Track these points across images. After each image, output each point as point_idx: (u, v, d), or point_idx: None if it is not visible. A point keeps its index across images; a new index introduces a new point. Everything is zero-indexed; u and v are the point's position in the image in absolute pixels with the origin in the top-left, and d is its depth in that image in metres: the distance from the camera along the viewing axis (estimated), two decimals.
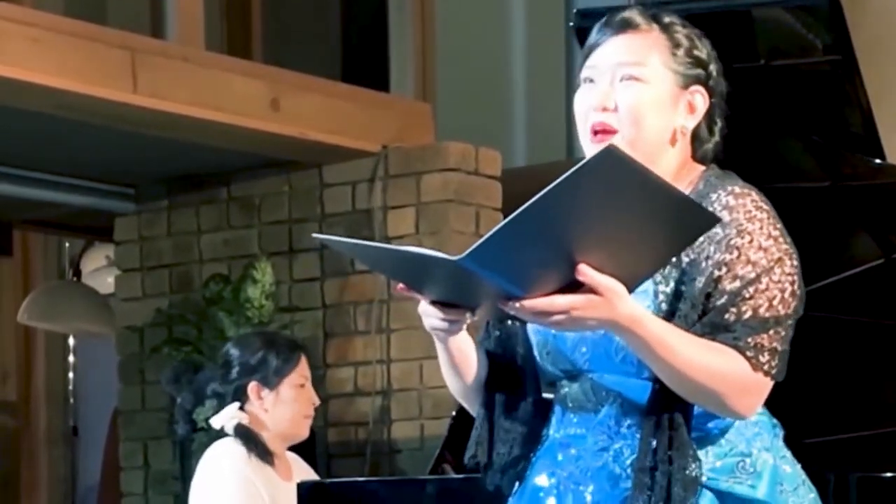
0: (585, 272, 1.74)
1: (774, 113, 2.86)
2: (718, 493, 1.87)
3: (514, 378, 1.99)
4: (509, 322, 2.01)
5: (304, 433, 3.34)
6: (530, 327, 1.98)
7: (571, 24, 2.84)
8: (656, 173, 1.77)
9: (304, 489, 3.23)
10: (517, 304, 1.75)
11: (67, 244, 6.11)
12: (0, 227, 5.58)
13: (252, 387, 3.28)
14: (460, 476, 3.25)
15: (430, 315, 1.86)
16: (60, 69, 3.93)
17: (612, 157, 1.70)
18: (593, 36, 1.94)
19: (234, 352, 3.35)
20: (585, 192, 1.70)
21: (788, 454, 1.94)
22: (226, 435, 3.30)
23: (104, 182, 4.87)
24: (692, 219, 1.76)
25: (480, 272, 1.74)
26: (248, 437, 3.25)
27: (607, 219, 1.73)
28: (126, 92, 4.05)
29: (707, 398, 1.82)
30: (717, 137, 1.96)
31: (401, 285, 1.83)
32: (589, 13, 2.89)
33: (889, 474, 2.75)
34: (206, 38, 4.41)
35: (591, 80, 1.93)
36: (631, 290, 1.78)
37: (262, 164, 4.68)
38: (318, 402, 3.37)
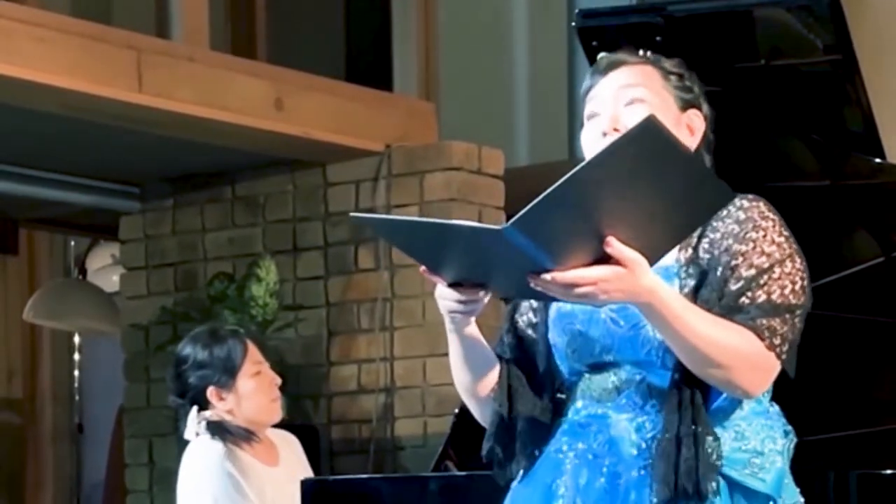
0: (613, 244, 1.80)
1: (775, 112, 2.87)
2: (729, 483, 1.92)
3: (528, 380, 2.04)
4: (521, 326, 2.06)
5: (275, 418, 3.28)
6: (554, 330, 2.03)
7: (574, 24, 2.85)
8: (685, 145, 1.84)
9: (307, 486, 3.24)
10: (548, 277, 1.80)
11: (73, 243, 6.13)
12: (6, 225, 5.60)
13: (211, 392, 3.21)
14: (463, 473, 3.27)
15: (446, 298, 1.91)
16: (66, 69, 3.95)
17: (652, 127, 1.75)
18: (587, 80, 2.03)
19: (181, 359, 3.26)
20: (625, 162, 1.74)
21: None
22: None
23: (109, 181, 4.89)
24: (710, 193, 1.82)
25: (520, 242, 1.77)
26: (223, 429, 3.20)
27: (638, 191, 1.77)
28: (131, 91, 4.07)
29: (718, 373, 1.88)
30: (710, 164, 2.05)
31: (423, 267, 1.87)
32: (591, 13, 2.91)
33: (889, 472, 2.76)
34: (211, 38, 4.43)
35: (596, 114, 2.01)
36: (651, 264, 1.84)
37: (267, 163, 4.70)
38: (279, 381, 3.29)
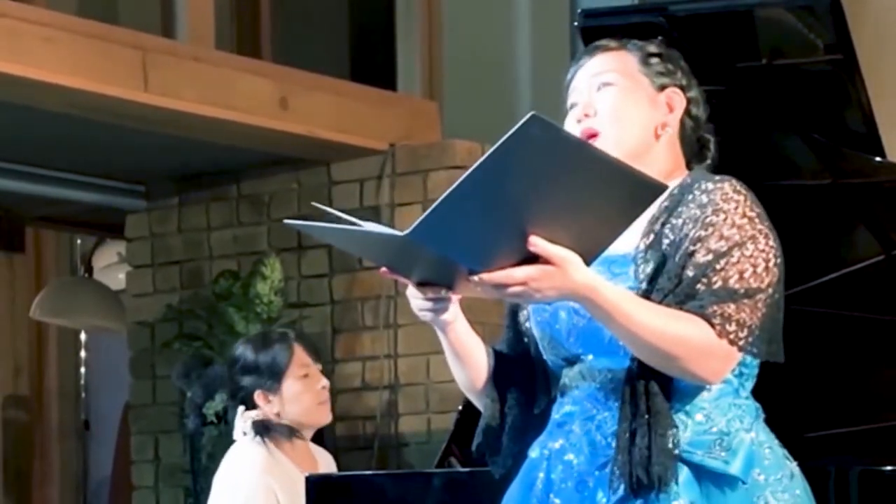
0: (537, 243, 1.78)
1: (776, 111, 2.88)
2: (694, 468, 1.90)
3: (524, 376, 2.04)
4: (520, 320, 2.07)
5: (324, 419, 3.32)
6: (533, 323, 2.03)
7: (576, 23, 2.87)
8: (594, 145, 1.83)
9: (312, 482, 3.26)
10: (476, 278, 1.80)
11: (79, 241, 6.15)
12: (13, 224, 5.62)
13: (258, 395, 3.26)
14: (466, 469, 3.29)
15: (414, 297, 1.91)
16: (72, 68, 3.97)
17: (536, 125, 1.71)
18: (569, 72, 2.05)
19: (235, 356, 3.32)
20: (518, 161, 1.71)
21: (775, 444, 1.97)
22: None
23: (115, 179, 4.91)
24: (638, 189, 1.78)
25: (433, 247, 1.75)
26: (266, 428, 3.24)
27: (550, 190, 1.74)
28: (137, 91, 4.09)
29: (668, 362, 1.86)
30: (712, 151, 2.03)
31: (384, 269, 1.87)
32: (593, 13, 2.92)
33: (889, 468, 2.77)
34: (216, 38, 4.45)
35: (575, 104, 2.02)
36: (589, 262, 1.82)
37: (271, 161, 4.72)
38: (327, 382, 3.33)
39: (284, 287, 4.54)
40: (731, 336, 1.85)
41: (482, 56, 5.31)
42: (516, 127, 1.72)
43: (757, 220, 1.91)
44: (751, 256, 1.88)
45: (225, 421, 4.30)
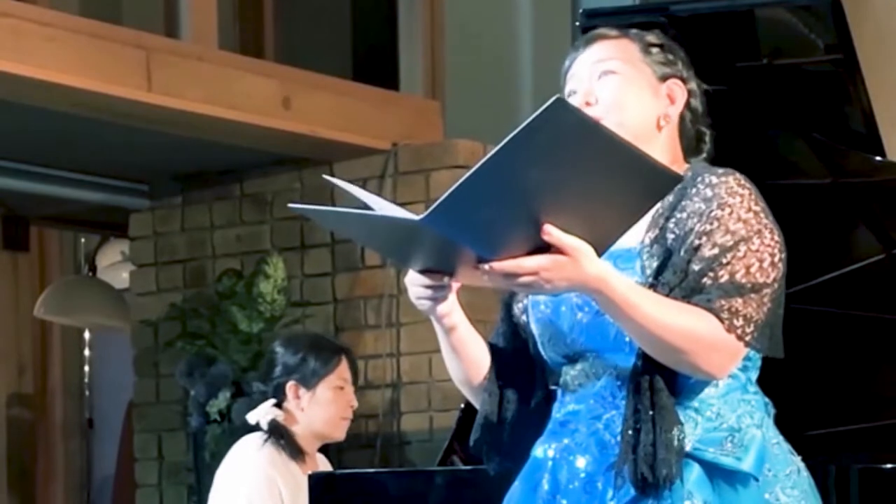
0: (551, 232, 1.76)
1: (777, 111, 2.89)
2: (706, 465, 1.88)
3: (521, 371, 2.02)
4: (516, 313, 2.05)
5: (339, 435, 3.38)
6: (532, 319, 2.01)
7: (578, 23, 2.88)
8: (613, 130, 1.78)
9: (314, 480, 3.27)
10: (486, 267, 1.77)
11: (83, 240, 6.16)
12: (17, 223, 5.63)
13: (290, 386, 3.31)
14: (469, 467, 3.30)
15: (413, 284, 1.89)
16: (76, 68, 3.98)
17: (561, 109, 1.68)
18: (567, 60, 2.01)
19: (278, 350, 3.38)
20: (539, 146, 1.68)
21: (781, 439, 1.96)
22: (257, 429, 3.32)
23: (119, 179, 4.92)
24: (654, 179, 1.76)
25: (445, 233, 1.72)
26: (280, 434, 3.28)
27: (567, 177, 1.71)
28: (140, 90, 4.10)
29: (675, 356, 1.84)
30: (708, 144, 2.02)
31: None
32: (595, 13, 2.93)
33: (889, 466, 2.78)
34: (220, 38, 4.46)
35: (574, 92, 1.99)
36: (600, 253, 1.80)
37: (274, 161, 4.74)
38: (356, 404, 3.39)
39: (287, 286, 4.56)
40: (739, 331, 1.84)
41: (484, 56, 5.32)
42: (542, 109, 1.68)
43: (762, 215, 1.89)
44: (757, 251, 1.86)
45: (228, 419, 4.33)
